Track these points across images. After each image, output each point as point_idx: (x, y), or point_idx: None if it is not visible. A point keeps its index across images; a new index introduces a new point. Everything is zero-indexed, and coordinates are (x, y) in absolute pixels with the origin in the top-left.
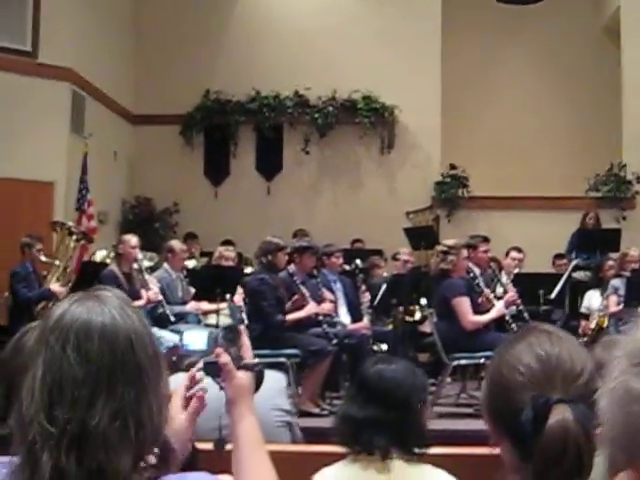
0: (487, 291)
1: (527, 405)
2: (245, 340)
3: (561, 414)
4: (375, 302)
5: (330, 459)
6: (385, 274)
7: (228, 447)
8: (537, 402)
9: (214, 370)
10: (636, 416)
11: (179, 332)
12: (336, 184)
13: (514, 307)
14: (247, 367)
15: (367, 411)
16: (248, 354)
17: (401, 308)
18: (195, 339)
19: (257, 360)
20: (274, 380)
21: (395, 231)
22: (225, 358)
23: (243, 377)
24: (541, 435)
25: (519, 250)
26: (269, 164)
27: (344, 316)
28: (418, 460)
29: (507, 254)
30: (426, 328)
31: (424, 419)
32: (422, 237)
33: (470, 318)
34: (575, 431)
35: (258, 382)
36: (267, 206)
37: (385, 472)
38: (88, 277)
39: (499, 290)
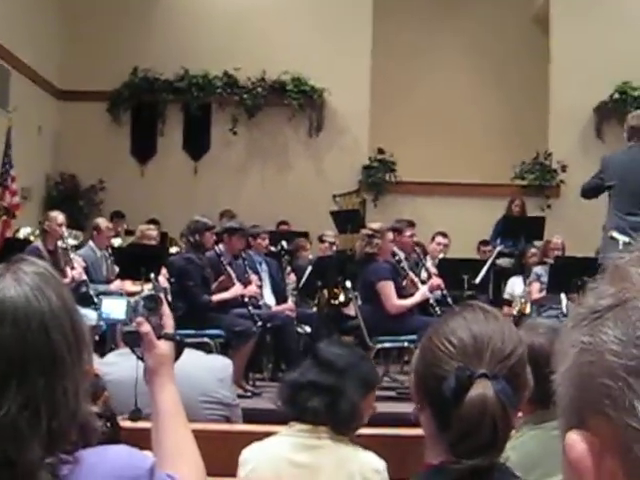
0: (412, 275)
1: (451, 375)
2: (166, 309)
3: (482, 388)
4: (300, 284)
5: (257, 438)
6: (311, 256)
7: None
8: (461, 373)
9: (134, 340)
10: (585, 368)
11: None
12: (264, 166)
13: (439, 292)
14: (168, 336)
15: (308, 375)
16: (169, 323)
17: (326, 291)
18: (114, 307)
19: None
20: (214, 369)
21: (322, 214)
22: (146, 327)
23: (164, 346)
24: (460, 406)
25: (445, 235)
26: (196, 144)
27: (269, 297)
28: (347, 442)
29: (433, 239)
30: (350, 311)
31: (362, 404)
32: (348, 220)
33: (394, 302)
34: (493, 406)
35: (178, 352)
36: (194, 186)
37: (314, 450)
38: (12, 254)
39: (424, 275)
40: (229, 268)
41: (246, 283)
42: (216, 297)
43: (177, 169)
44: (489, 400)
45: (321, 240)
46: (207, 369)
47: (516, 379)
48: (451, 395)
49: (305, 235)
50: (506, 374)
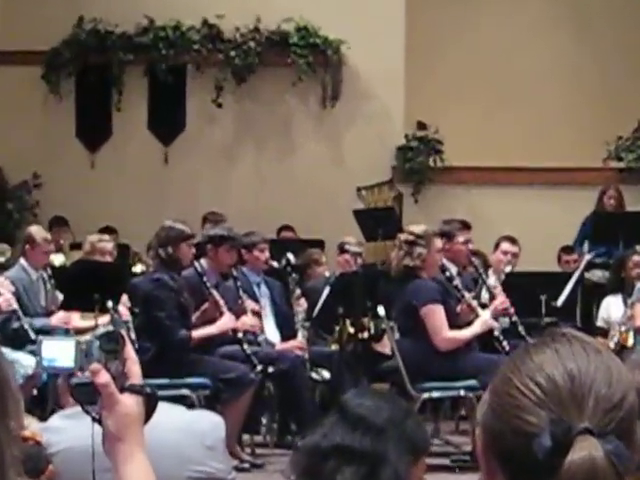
0: (468, 297)
1: (543, 431)
2: (130, 351)
3: (587, 449)
4: (314, 313)
5: None
6: (327, 274)
7: None
8: (557, 428)
9: (87, 395)
10: None
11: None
12: (260, 149)
13: (506, 319)
14: (134, 389)
15: (334, 438)
16: (135, 370)
17: (350, 321)
18: (58, 351)
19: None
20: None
21: (341, 215)
22: (103, 377)
23: (129, 402)
24: (557, 474)
25: (513, 241)
26: (167, 122)
27: (271, 332)
28: None
29: (496, 246)
30: (385, 348)
31: (409, 476)
32: (379, 223)
33: (445, 334)
34: (605, 472)
35: (150, 409)
36: (164, 180)
37: None
38: None
39: (485, 295)
40: (215, 292)
41: (239, 312)
42: (198, 333)
43: (141, 157)
44: (599, 465)
45: (342, 250)
46: (190, 432)
47: (628, 436)
48: (544, 459)
49: (319, 244)
50: (615, 429)
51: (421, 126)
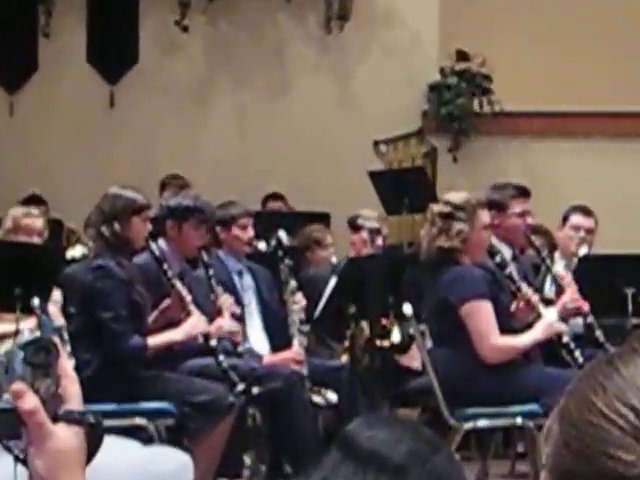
0: (527, 289)
1: None
2: (66, 366)
3: None
4: (316, 312)
5: None
6: (334, 259)
7: None
8: None
9: (8, 426)
10: None
11: None
12: (240, 89)
13: (579, 320)
14: (72, 417)
15: (338, 479)
16: (72, 391)
17: (365, 323)
18: None
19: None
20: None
21: (353, 178)
22: (29, 402)
23: (65, 435)
24: None
25: (587, 213)
26: (113, 52)
27: (257, 338)
28: None
29: (564, 220)
30: (412, 361)
31: None
32: (404, 189)
33: (495, 341)
34: None
35: (93, 445)
36: (109, 131)
37: None
38: None
39: (550, 288)
40: (179, 284)
41: (213, 312)
42: (157, 340)
43: (78, 100)
44: None
45: (355, 227)
46: (147, 476)
47: None
48: None
49: (322, 219)
50: None
51: (462, 56)
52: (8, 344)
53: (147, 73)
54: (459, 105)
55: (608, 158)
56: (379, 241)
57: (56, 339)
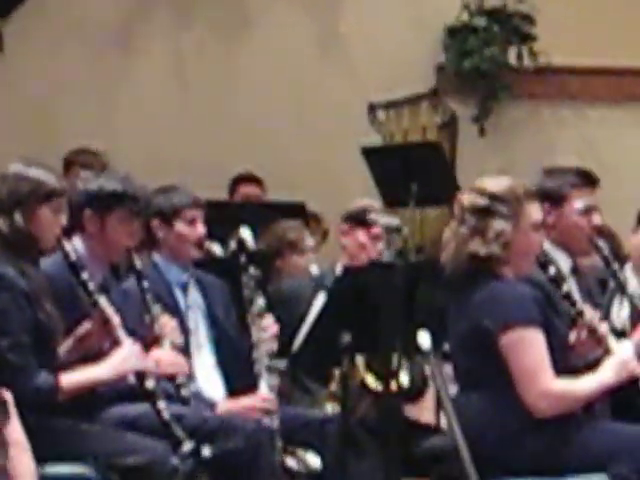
0: (591, 314)
1: None
2: (16, 430)
3: None
4: (295, 342)
5: None
6: (314, 268)
7: None
8: None
9: None
10: None
11: None
12: (179, 25)
13: None
14: None
15: None
16: (24, 470)
17: (361, 360)
18: None
19: None
20: None
21: (340, 156)
22: None
23: None
24: None
25: None
26: None
27: (208, 377)
28: None
29: None
30: (424, 411)
31: None
32: (411, 172)
33: (547, 384)
34: None
35: None
36: (1, 84)
37: None
38: None
39: (622, 312)
40: (103, 300)
41: (148, 339)
42: (73, 378)
43: None
44: None
45: (356, 222)
46: None
47: None
48: None
49: (297, 211)
50: None
51: None
52: None
53: (50, 4)
54: (489, 57)
55: None
56: (379, 246)
57: None
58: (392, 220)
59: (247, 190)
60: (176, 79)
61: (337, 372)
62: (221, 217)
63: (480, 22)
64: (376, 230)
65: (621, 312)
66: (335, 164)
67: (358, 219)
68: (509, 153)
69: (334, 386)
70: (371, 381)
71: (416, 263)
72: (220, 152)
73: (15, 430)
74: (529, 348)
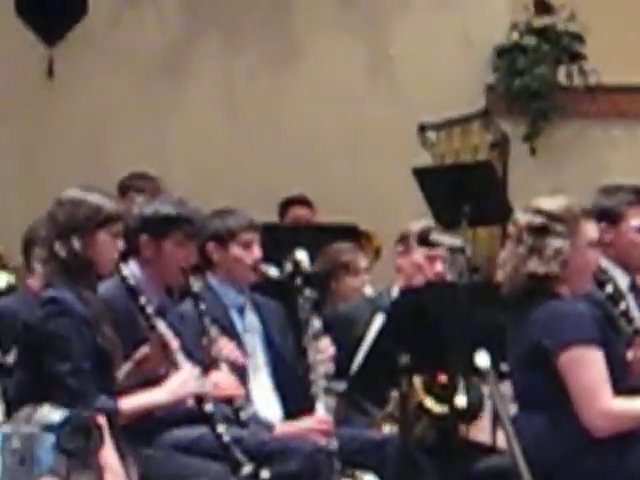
0: None
1: None
2: (110, 455)
3: None
4: (353, 365)
5: None
6: (368, 290)
7: None
8: None
9: None
10: None
11: None
12: (229, 53)
13: None
14: None
15: None
16: None
17: (419, 380)
18: None
19: None
20: None
21: (391, 178)
22: None
23: None
24: None
25: None
26: (50, 3)
27: (266, 400)
28: None
29: None
30: (481, 434)
31: None
32: (463, 192)
33: (606, 403)
34: None
35: None
36: (46, 108)
37: None
38: None
39: None
40: (162, 325)
41: (207, 363)
42: (132, 402)
43: (3, 67)
44: None
45: (404, 243)
46: None
47: None
48: None
49: (352, 234)
50: None
51: (543, 7)
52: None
53: (99, 31)
54: (538, 76)
55: None
56: (437, 267)
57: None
58: (455, 240)
59: (297, 213)
60: (226, 105)
61: (394, 393)
62: (274, 240)
63: (530, 41)
64: (435, 251)
65: None
66: (386, 185)
67: (420, 240)
68: (560, 172)
69: (391, 407)
70: (430, 403)
71: (477, 283)
72: (270, 176)
73: (109, 455)
74: (588, 367)
